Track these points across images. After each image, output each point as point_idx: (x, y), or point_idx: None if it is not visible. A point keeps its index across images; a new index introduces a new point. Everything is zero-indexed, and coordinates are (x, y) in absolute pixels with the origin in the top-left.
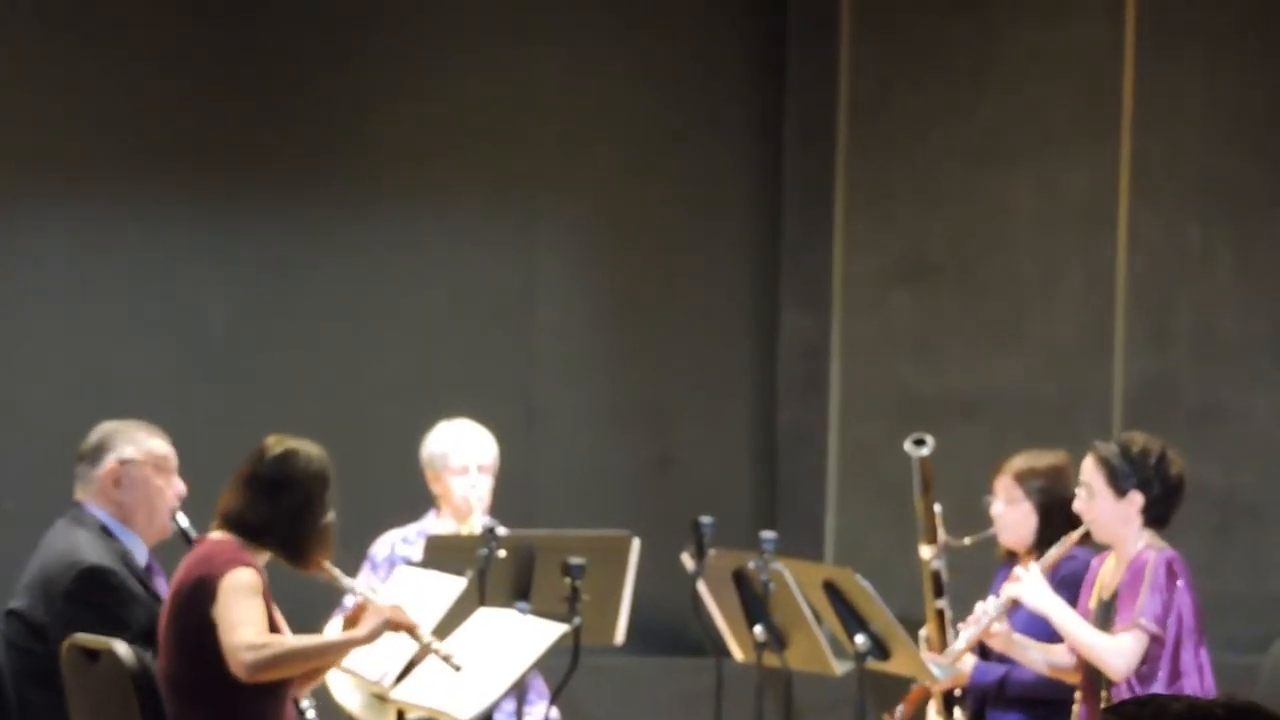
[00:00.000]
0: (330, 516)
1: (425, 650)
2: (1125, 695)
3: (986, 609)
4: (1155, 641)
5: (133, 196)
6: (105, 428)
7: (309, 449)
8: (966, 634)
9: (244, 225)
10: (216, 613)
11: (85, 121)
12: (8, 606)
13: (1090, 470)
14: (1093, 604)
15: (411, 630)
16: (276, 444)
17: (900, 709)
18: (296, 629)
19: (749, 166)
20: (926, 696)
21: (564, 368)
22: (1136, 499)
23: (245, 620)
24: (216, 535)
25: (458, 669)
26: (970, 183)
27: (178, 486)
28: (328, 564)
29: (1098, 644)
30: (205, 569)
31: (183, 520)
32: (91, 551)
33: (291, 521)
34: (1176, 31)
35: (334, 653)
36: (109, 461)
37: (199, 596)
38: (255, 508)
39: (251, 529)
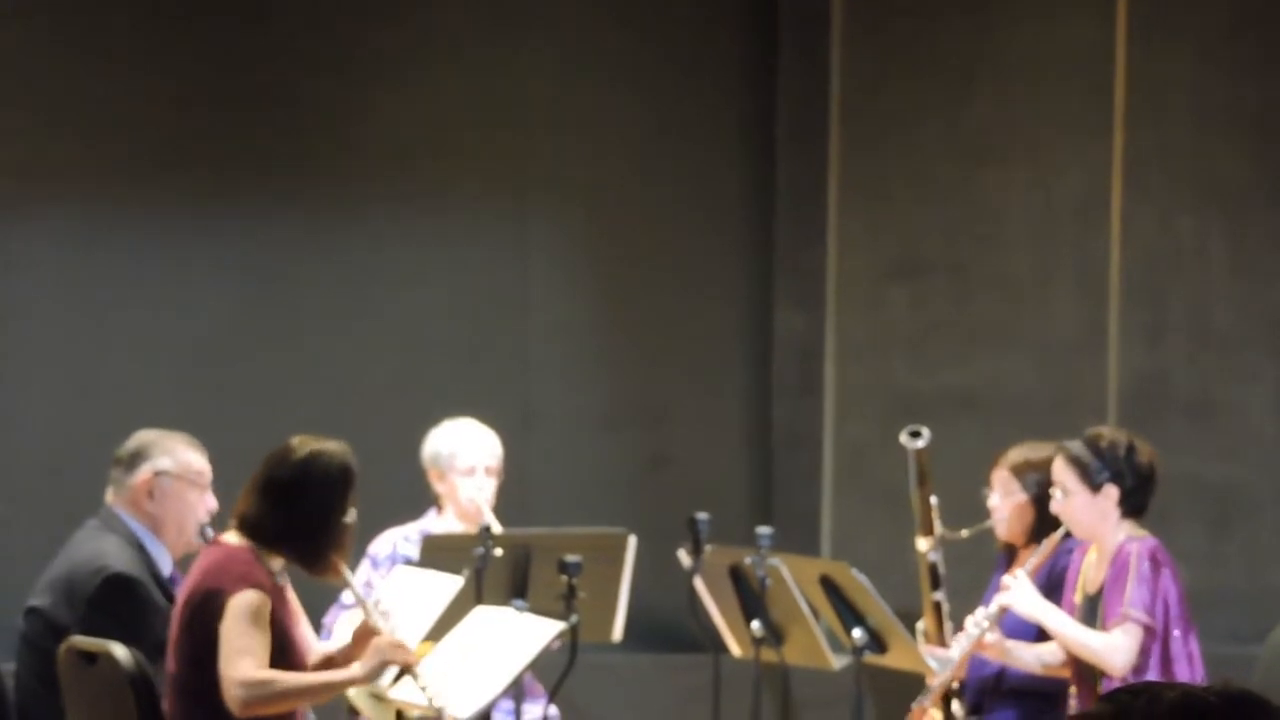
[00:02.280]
0: (350, 517)
1: (416, 680)
2: (1118, 685)
3: (978, 620)
4: (1148, 632)
5: (125, 201)
6: (145, 436)
7: (331, 451)
8: (959, 648)
9: (238, 228)
10: (220, 635)
11: (76, 127)
12: (29, 604)
13: (1062, 470)
14: (1077, 598)
15: (409, 668)
16: (299, 447)
17: None
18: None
19: (742, 166)
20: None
21: (560, 367)
22: (1112, 492)
23: (244, 650)
24: (232, 539)
25: (437, 712)
26: (963, 180)
27: (210, 502)
28: (344, 569)
29: (1094, 644)
30: (216, 582)
31: (210, 535)
32: (118, 559)
33: (307, 532)
34: (1168, 28)
35: (330, 692)
36: (144, 471)
37: (209, 610)
38: (271, 516)
39: (267, 537)
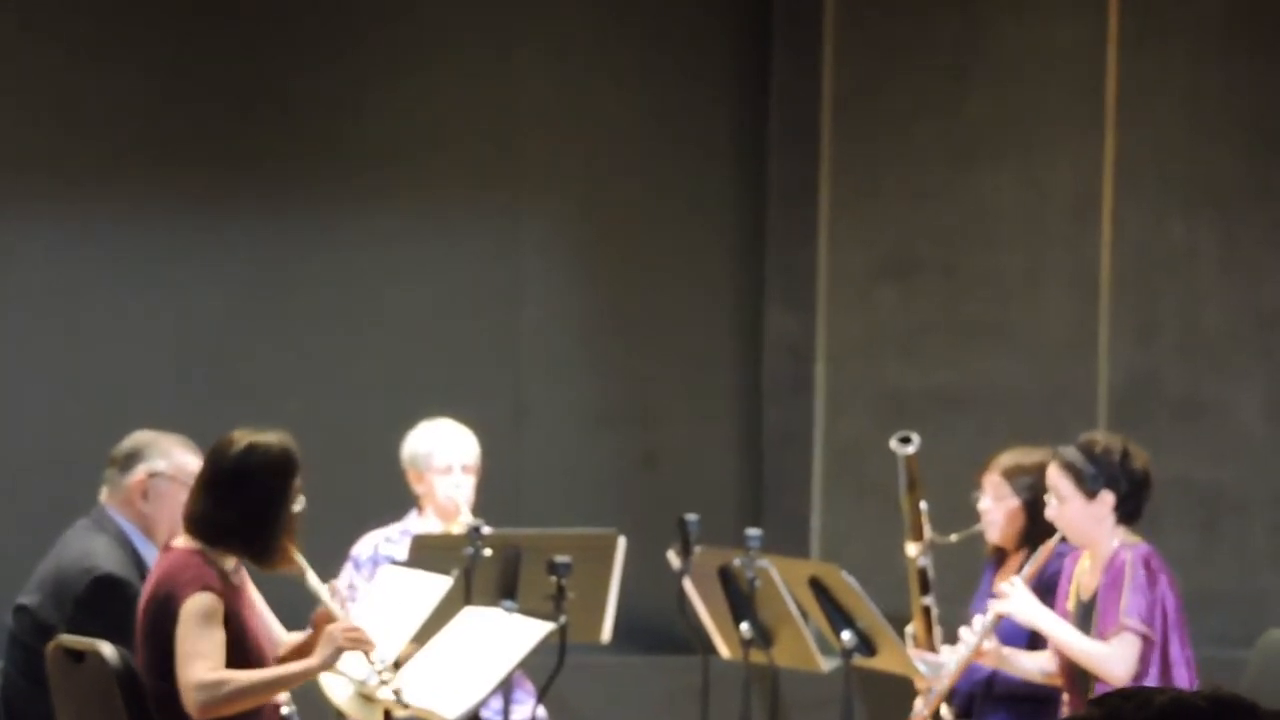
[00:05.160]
0: (296, 506)
1: (378, 679)
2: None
3: (974, 629)
4: (1146, 641)
5: (118, 196)
6: (140, 436)
7: (269, 442)
8: (956, 656)
9: (230, 225)
10: (176, 639)
11: (69, 121)
12: (19, 602)
13: (1056, 477)
14: (1070, 605)
15: (366, 652)
16: (241, 438)
17: None
18: (279, 615)
19: (733, 165)
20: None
21: (550, 367)
22: (1107, 499)
23: (197, 653)
24: (182, 542)
25: (405, 707)
26: (955, 179)
27: None
28: (299, 557)
29: (1095, 652)
30: (170, 587)
31: None
32: (108, 559)
33: (252, 524)
34: (1160, 26)
35: (288, 684)
36: (139, 471)
37: (164, 616)
38: (217, 512)
39: (214, 533)
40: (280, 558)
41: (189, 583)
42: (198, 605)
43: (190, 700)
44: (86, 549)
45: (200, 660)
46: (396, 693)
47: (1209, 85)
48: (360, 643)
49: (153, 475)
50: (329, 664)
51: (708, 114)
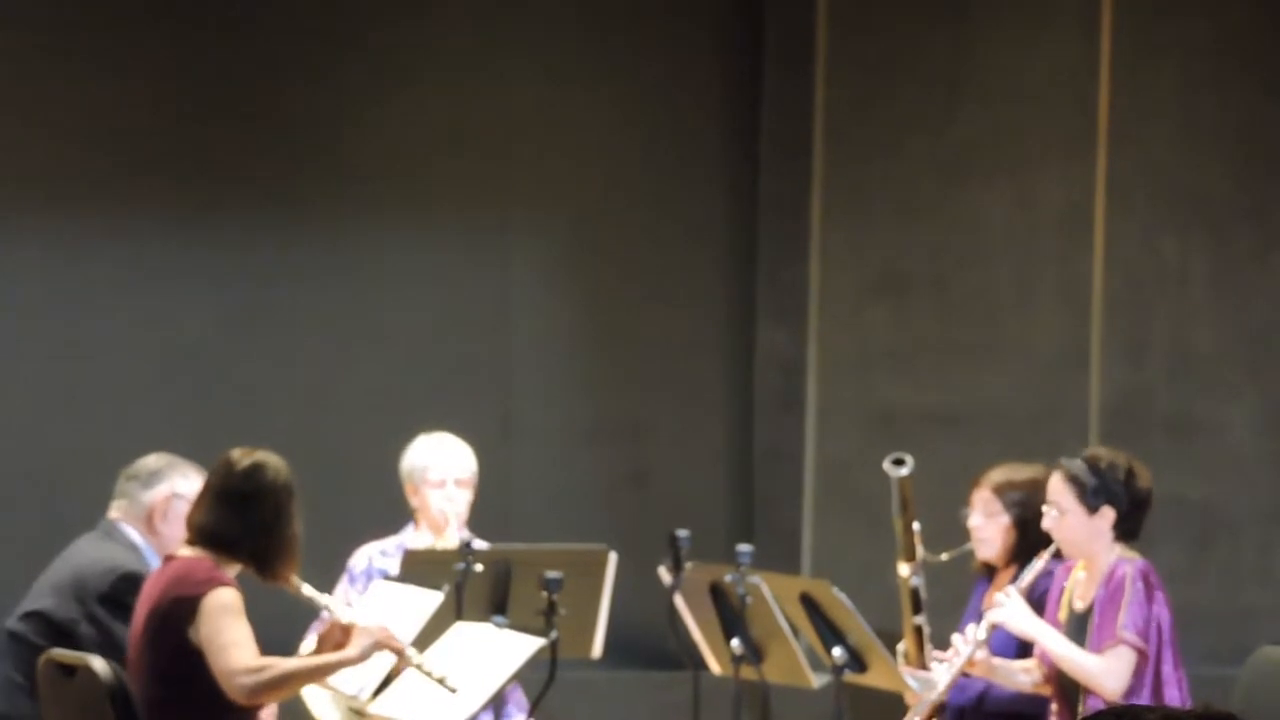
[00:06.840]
0: (298, 527)
1: (415, 669)
2: (1102, 706)
3: (966, 638)
4: (1141, 655)
5: (113, 211)
6: (161, 458)
7: (275, 460)
8: (950, 667)
9: (223, 240)
10: (203, 635)
11: (65, 136)
12: (26, 609)
13: (1058, 489)
14: (1062, 616)
15: (400, 652)
16: (244, 456)
17: None
18: (270, 643)
19: (725, 182)
20: None
21: (541, 382)
22: (1108, 514)
23: (236, 642)
24: (186, 552)
25: (454, 691)
26: (947, 197)
27: None
28: (295, 579)
29: (1088, 665)
30: (182, 589)
31: None
32: (129, 561)
33: (263, 534)
34: (1152, 46)
35: (326, 672)
36: (163, 490)
37: (177, 617)
38: (227, 521)
39: (223, 542)
40: (280, 572)
41: (206, 581)
42: (223, 599)
43: (236, 685)
44: (106, 554)
45: (238, 648)
46: (441, 680)
47: (1200, 104)
48: (393, 641)
49: (177, 496)
50: (365, 656)
51: (699, 130)
